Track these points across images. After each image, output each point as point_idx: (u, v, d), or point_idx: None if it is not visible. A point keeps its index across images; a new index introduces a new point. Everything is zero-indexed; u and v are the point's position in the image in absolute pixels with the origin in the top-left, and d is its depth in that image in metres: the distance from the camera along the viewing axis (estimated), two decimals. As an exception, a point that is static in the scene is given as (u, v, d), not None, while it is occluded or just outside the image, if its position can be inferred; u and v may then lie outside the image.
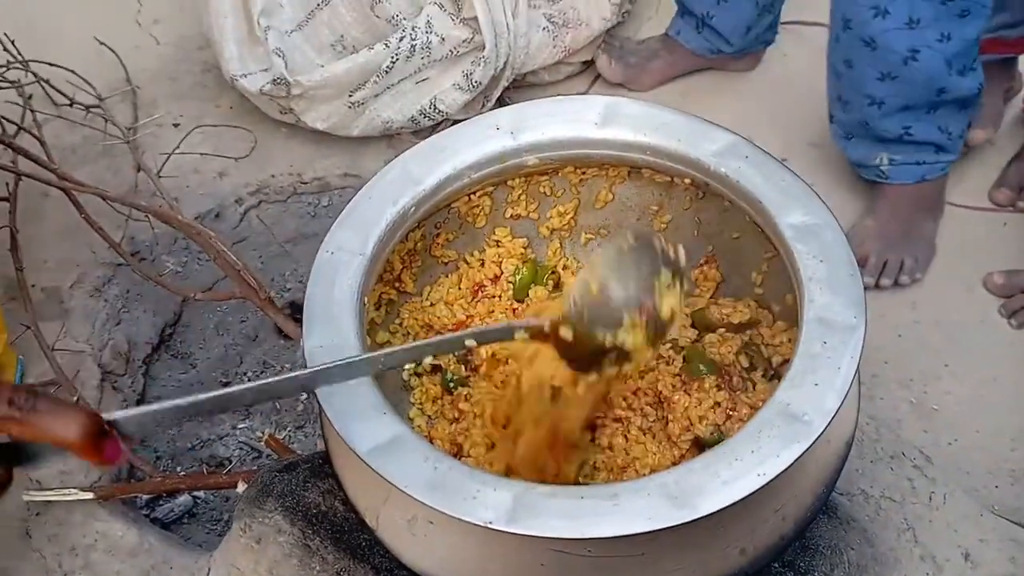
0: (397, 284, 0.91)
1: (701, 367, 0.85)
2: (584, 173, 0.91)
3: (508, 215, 0.94)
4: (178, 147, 1.46)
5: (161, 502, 1.19)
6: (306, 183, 1.54)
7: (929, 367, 1.30)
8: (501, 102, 1.57)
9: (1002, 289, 1.37)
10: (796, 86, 1.66)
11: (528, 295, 0.93)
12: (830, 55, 1.31)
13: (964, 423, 1.24)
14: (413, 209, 0.82)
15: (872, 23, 1.20)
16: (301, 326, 0.73)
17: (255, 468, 1.24)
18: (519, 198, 0.92)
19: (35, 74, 1.46)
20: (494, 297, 0.93)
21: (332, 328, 0.72)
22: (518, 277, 0.92)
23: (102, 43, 1.63)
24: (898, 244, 1.38)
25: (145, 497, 1.17)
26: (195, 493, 1.19)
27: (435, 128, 1.55)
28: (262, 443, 1.25)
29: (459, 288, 0.93)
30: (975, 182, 1.50)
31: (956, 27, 1.19)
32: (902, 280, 1.38)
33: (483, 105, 1.55)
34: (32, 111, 1.40)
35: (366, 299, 0.78)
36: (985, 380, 1.29)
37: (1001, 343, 1.34)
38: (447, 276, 0.94)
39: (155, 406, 0.57)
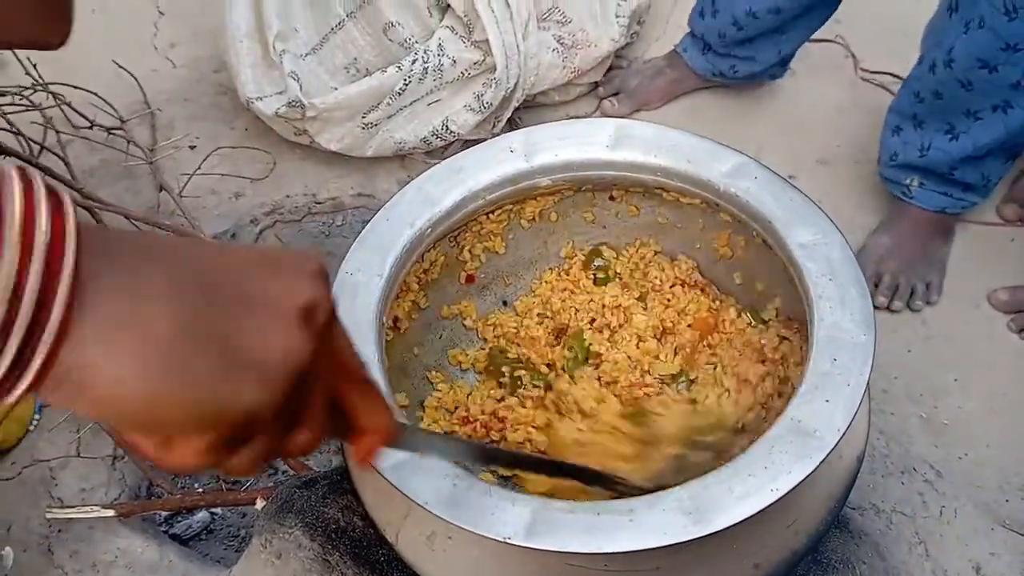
0: (414, 303, 0.93)
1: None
2: (595, 195, 0.92)
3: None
4: (199, 168, 1.49)
5: (179, 518, 1.20)
6: (320, 203, 1.56)
7: (939, 382, 1.31)
8: (512, 123, 1.60)
9: (1007, 305, 1.38)
10: (804, 104, 1.68)
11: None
12: (917, 82, 1.31)
13: (975, 438, 1.25)
14: (429, 230, 0.84)
15: (976, 71, 1.20)
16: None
17: (272, 485, 1.25)
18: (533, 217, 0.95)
19: (55, 96, 1.49)
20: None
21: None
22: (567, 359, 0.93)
23: (121, 67, 1.66)
24: (913, 266, 1.39)
25: (164, 513, 1.19)
26: (213, 509, 1.21)
27: (446, 148, 1.57)
28: (278, 460, 1.27)
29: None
30: (982, 198, 1.51)
31: None
32: (915, 305, 1.39)
33: (494, 126, 1.57)
34: (56, 131, 1.43)
35: (384, 318, 0.80)
36: (995, 395, 1.30)
37: (1011, 358, 1.34)
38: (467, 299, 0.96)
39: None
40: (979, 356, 1.34)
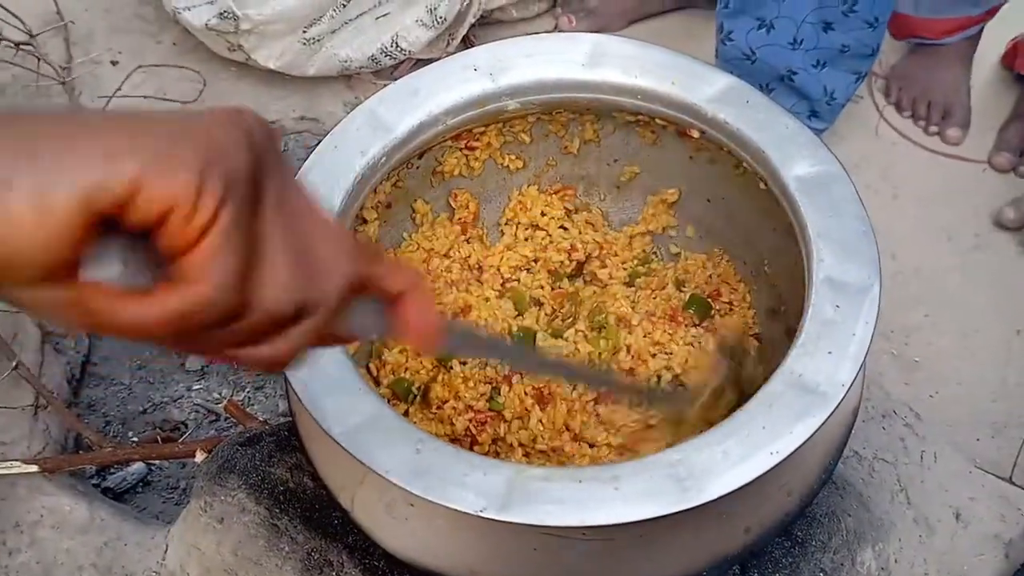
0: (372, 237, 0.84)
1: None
2: (568, 118, 0.84)
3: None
4: (120, 89, 1.35)
5: (113, 470, 1.12)
6: (258, 127, 1.44)
7: (910, 318, 1.28)
8: (467, 41, 1.48)
9: (1015, 222, 1.35)
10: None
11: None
12: None
13: (946, 375, 1.22)
14: (384, 159, 0.75)
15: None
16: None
17: (213, 434, 1.17)
18: (500, 147, 0.86)
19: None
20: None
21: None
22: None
23: (29, -28, 1.49)
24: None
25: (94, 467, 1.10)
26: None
27: (396, 68, 1.45)
28: (220, 406, 1.18)
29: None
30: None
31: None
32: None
33: (448, 43, 1.46)
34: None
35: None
36: (966, 331, 1.27)
37: (981, 293, 1.31)
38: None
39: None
40: (950, 292, 1.31)
